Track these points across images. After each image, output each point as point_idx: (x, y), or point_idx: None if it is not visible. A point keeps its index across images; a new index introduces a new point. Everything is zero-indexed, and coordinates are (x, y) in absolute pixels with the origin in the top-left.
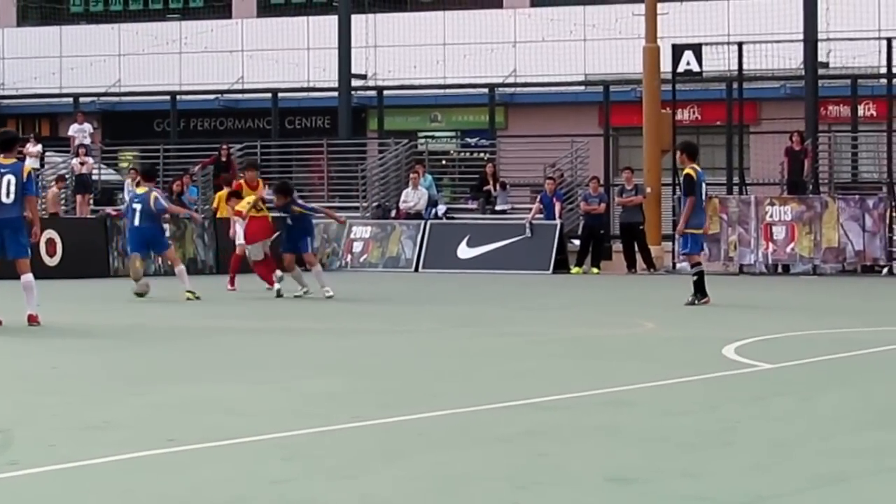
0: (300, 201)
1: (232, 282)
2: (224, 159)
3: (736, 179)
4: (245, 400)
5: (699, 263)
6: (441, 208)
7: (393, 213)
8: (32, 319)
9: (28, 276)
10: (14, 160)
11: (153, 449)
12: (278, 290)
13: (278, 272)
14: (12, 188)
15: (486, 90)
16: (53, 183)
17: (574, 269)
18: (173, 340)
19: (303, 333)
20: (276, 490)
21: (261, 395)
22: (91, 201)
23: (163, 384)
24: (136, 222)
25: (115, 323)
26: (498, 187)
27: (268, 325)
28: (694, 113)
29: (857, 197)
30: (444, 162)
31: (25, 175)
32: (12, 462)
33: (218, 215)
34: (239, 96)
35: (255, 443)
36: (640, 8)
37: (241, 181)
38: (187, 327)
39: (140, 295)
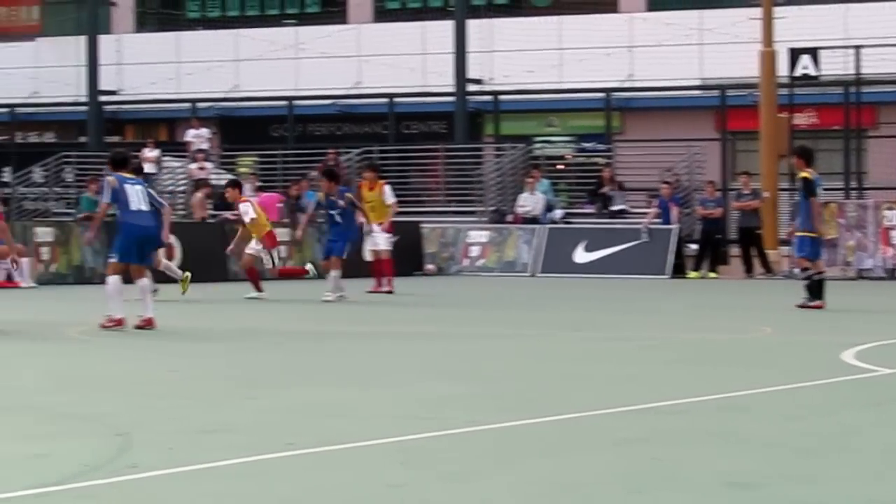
0: (348, 194)
1: (379, 284)
2: (331, 164)
3: (854, 184)
4: (362, 404)
5: (822, 271)
6: (558, 213)
7: (509, 218)
8: (148, 323)
9: (145, 280)
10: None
11: (271, 453)
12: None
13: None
14: (145, 197)
15: (602, 94)
16: (184, 188)
17: (691, 274)
18: (289, 344)
19: (419, 337)
20: (392, 494)
21: (377, 398)
22: (210, 206)
23: (280, 388)
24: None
25: (232, 327)
26: (614, 188)
27: (383, 329)
28: (811, 117)
29: None
30: (559, 166)
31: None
32: (132, 465)
33: None
34: (356, 101)
35: (372, 447)
36: (757, 12)
37: (362, 182)
38: (303, 331)
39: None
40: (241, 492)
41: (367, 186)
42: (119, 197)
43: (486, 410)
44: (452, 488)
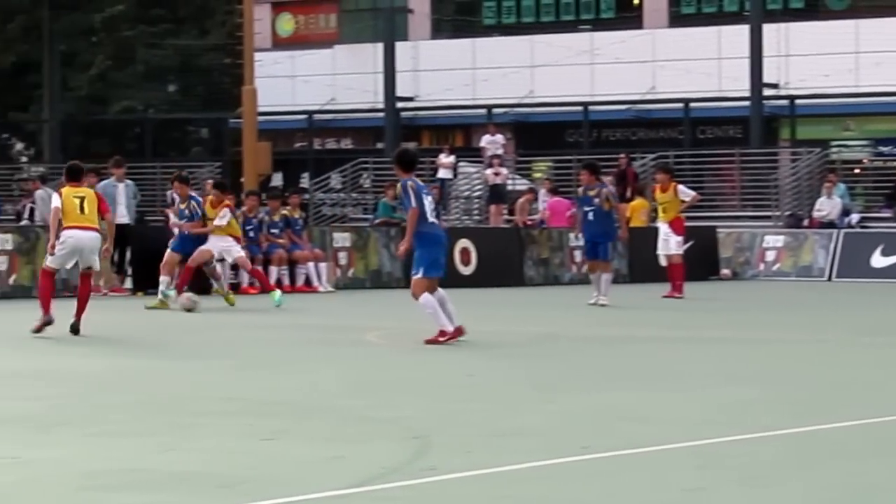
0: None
1: (674, 289)
2: (623, 168)
3: None
4: (657, 408)
5: None
6: (854, 217)
7: (805, 222)
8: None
9: (441, 292)
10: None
11: (567, 456)
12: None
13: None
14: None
15: None
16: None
17: None
18: (584, 349)
19: (714, 342)
20: (688, 498)
21: (673, 403)
22: (505, 211)
23: (575, 392)
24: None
25: (527, 331)
26: None
27: (677, 334)
28: None
29: None
30: (856, 170)
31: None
32: (430, 467)
33: (631, 224)
34: (650, 106)
35: (667, 451)
36: None
37: (655, 185)
38: (597, 336)
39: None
40: (536, 495)
41: (661, 188)
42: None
43: (781, 415)
44: (748, 493)
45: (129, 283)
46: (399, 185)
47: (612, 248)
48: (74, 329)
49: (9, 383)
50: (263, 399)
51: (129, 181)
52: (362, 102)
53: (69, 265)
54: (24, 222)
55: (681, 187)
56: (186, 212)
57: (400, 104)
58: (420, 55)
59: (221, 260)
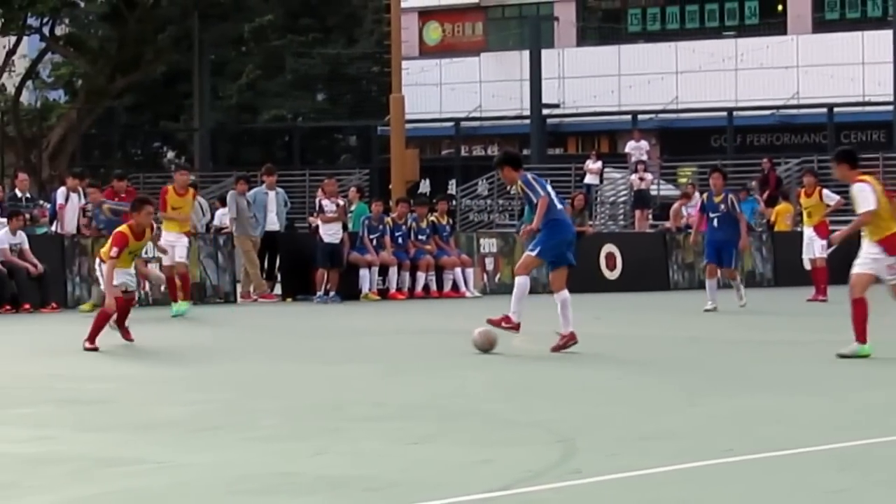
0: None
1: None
2: (766, 173)
3: None
4: (801, 411)
5: None
6: None
7: None
8: (570, 339)
9: (566, 293)
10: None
11: (710, 459)
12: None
13: None
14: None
15: None
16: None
17: None
18: (728, 353)
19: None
20: (831, 500)
21: (814, 406)
22: (650, 216)
23: (718, 396)
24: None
25: (672, 335)
26: None
27: (819, 338)
28: None
29: None
30: None
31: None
32: (576, 470)
33: (776, 228)
34: (794, 111)
35: (809, 454)
36: None
37: (801, 189)
38: (741, 340)
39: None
40: (680, 498)
41: (806, 193)
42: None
43: None
44: (892, 495)
45: (278, 290)
46: (520, 182)
47: (736, 256)
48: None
49: (161, 389)
50: (411, 403)
51: (279, 189)
52: (508, 109)
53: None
54: None
55: (826, 192)
56: None
57: (546, 111)
58: (566, 62)
59: None
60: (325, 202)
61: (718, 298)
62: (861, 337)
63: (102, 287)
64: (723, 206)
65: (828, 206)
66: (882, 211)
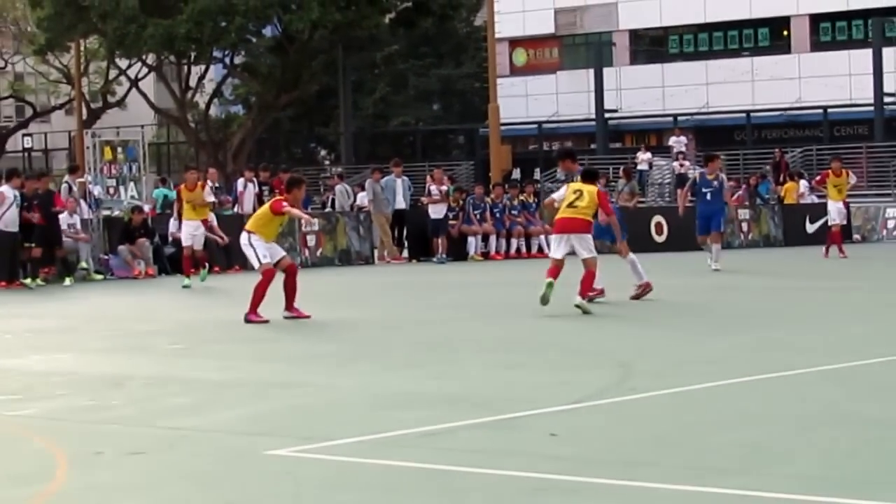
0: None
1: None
2: (777, 160)
3: None
4: (802, 340)
5: None
6: None
7: None
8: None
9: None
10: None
11: (736, 378)
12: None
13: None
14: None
15: None
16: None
17: None
18: (748, 297)
19: (839, 290)
20: (829, 408)
21: (813, 336)
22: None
23: (741, 329)
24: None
25: (708, 283)
26: None
27: (820, 285)
28: None
29: None
30: None
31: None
32: (631, 388)
33: (785, 202)
34: (798, 112)
35: (810, 373)
36: None
37: (828, 171)
38: (757, 286)
39: None
40: (715, 408)
41: (835, 173)
42: None
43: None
44: (874, 402)
45: (405, 254)
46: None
47: (723, 222)
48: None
49: (320, 329)
50: (505, 338)
51: (405, 177)
52: (579, 114)
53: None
54: (327, 210)
55: (850, 172)
56: None
57: (607, 115)
58: (622, 77)
59: None
60: (433, 187)
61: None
62: None
63: (251, 257)
64: (715, 183)
65: (850, 183)
66: None
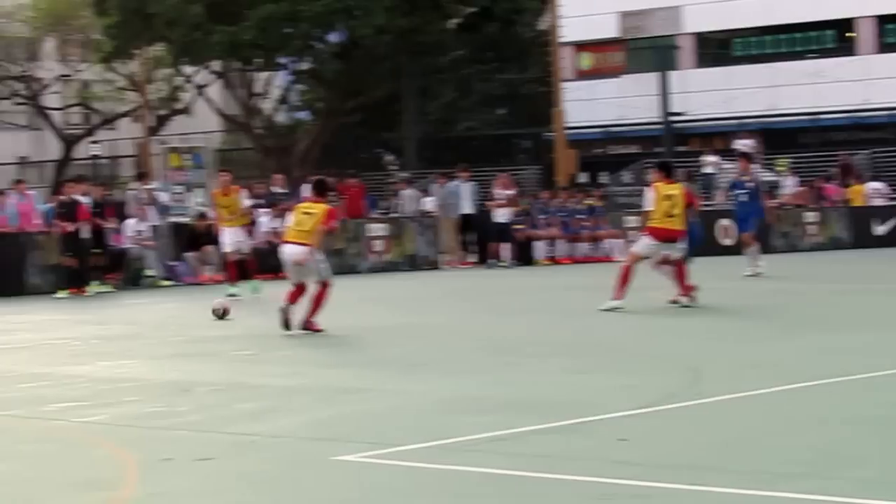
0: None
1: None
2: (844, 162)
3: None
4: (866, 345)
5: None
6: None
7: None
8: None
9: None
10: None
11: (802, 382)
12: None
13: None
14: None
15: None
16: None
17: None
18: (813, 299)
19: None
20: (891, 411)
21: (878, 340)
22: None
23: (807, 332)
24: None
25: (771, 287)
26: None
27: (886, 287)
28: None
29: None
30: None
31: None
32: (699, 392)
33: (852, 204)
34: (863, 114)
35: (874, 378)
36: None
37: None
38: (822, 289)
39: None
40: (784, 412)
41: None
42: None
43: None
44: None
45: (472, 258)
46: (686, 186)
47: (755, 224)
48: (305, 327)
49: (386, 335)
50: (571, 342)
51: (471, 182)
52: (644, 118)
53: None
54: (394, 214)
55: None
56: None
57: (672, 118)
58: (687, 80)
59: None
60: (498, 192)
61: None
62: None
63: (317, 269)
64: (750, 184)
65: None
66: None
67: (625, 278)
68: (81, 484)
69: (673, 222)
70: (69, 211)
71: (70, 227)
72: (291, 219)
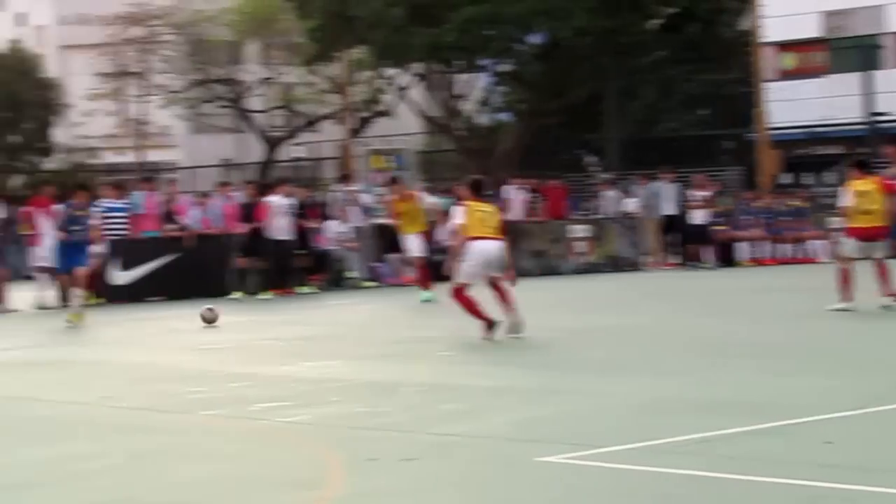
0: None
1: None
2: None
3: None
4: None
5: None
6: None
7: None
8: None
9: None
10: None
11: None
12: None
13: None
14: None
15: None
16: None
17: None
18: None
19: None
20: None
21: None
22: None
23: None
24: None
25: None
26: None
27: None
28: None
29: None
30: None
31: None
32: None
33: None
34: None
35: None
36: None
37: None
38: None
39: None
40: None
41: None
42: None
43: None
44: None
45: (675, 259)
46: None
47: None
48: (515, 328)
49: (588, 336)
50: (775, 343)
51: (674, 183)
52: (848, 118)
53: (479, 276)
54: (595, 216)
55: None
56: None
57: (877, 118)
58: (892, 80)
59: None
60: (693, 193)
61: None
62: None
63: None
64: None
65: None
66: None
67: (845, 280)
68: (287, 483)
69: (871, 219)
70: (248, 212)
71: (244, 227)
72: (467, 218)
